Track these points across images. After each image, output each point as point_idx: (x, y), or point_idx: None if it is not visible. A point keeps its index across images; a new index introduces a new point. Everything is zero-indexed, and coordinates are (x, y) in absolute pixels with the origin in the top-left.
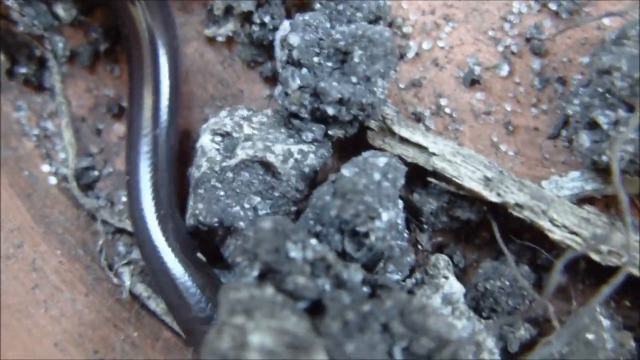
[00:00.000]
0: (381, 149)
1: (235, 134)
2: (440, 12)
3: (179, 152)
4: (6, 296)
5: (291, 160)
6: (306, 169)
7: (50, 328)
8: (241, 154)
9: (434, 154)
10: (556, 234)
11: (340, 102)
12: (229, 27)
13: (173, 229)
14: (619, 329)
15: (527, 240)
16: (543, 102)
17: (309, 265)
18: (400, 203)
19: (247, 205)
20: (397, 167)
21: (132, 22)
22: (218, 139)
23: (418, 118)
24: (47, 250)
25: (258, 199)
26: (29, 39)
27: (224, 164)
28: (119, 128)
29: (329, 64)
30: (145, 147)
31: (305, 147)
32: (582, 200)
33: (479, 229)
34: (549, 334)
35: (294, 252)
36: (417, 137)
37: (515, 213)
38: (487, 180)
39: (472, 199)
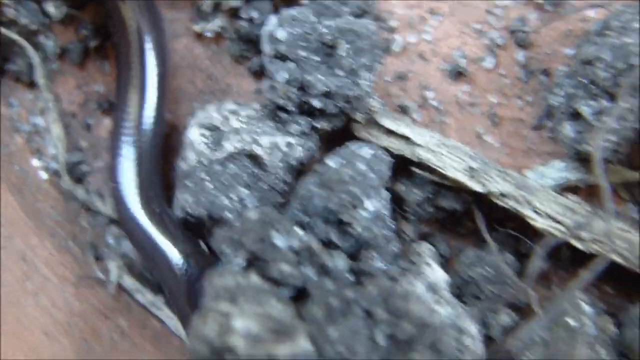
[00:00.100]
0: (367, 141)
1: (223, 128)
2: (426, 5)
3: (168, 145)
4: None
5: (278, 153)
6: (293, 161)
7: (41, 318)
8: (229, 146)
9: (419, 145)
10: (539, 223)
11: (327, 95)
12: (217, 23)
13: (160, 214)
14: (600, 315)
15: (511, 229)
16: (528, 94)
17: (294, 253)
18: (386, 193)
19: (234, 197)
20: (382, 158)
21: (120, 18)
22: (206, 132)
23: (404, 110)
24: (38, 243)
25: (245, 190)
26: (21, 37)
27: (212, 156)
28: (109, 123)
29: (316, 57)
30: (130, 138)
31: (292, 140)
32: (566, 189)
33: (464, 218)
34: (531, 320)
35: (279, 241)
36: (402, 128)
37: (499, 202)
38: (471, 171)
39: (457, 189)
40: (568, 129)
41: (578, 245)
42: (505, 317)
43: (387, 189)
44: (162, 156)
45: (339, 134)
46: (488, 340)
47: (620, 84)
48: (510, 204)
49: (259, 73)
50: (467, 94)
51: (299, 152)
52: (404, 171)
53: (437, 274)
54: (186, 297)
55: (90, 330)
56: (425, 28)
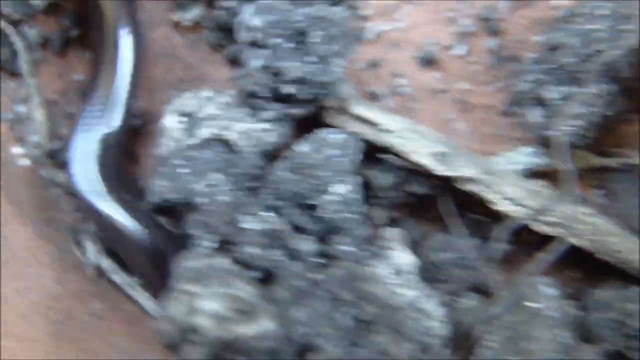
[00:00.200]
0: (338, 127)
1: (198, 114)
2: None
3: (144, 133)
4: None
5: (252, 139)
6: (266, 147)
7: (19, 301)
8: (203, 132)
9: (388, 131)
10: (505, 207)
11: (300, 81)
12: (195, 12)
13: (126, 201)
14: (564, 298)
15: (480, 214)
16: (498, 81)
17: (262, 236)
18: (356, 178)
19: (208, 182)
20: (352, 143)
21: (96, 7)
22: (182, 118)
23: (376, 97)
24: (18, 228)
25: (220, 176)
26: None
27: (187, 142)
28: None
29: (289, 44)
30: (94, 127)
31: (265, 126)
32: (533, 174)
33: (434, 203)
34: (494, 303)
35: (248, 224)
36: (372, 115)
37: (466, 187)
38: (439, 156)
39: (426, 174)
40: (535, 115)
41: (542, 228)
42: (471, 301)
43: (358, 174)
44: (136, 144)
45: (311, 121)
46: (453, 323)
47: (586, 69)
48: (477, 188)
49: (235, 61)
50: (438, 81)
51: (272, 138)
52: (375, 157)
53: (405, 258)
54: (151, 271)
55: (66, 313)
56: (399, 16)
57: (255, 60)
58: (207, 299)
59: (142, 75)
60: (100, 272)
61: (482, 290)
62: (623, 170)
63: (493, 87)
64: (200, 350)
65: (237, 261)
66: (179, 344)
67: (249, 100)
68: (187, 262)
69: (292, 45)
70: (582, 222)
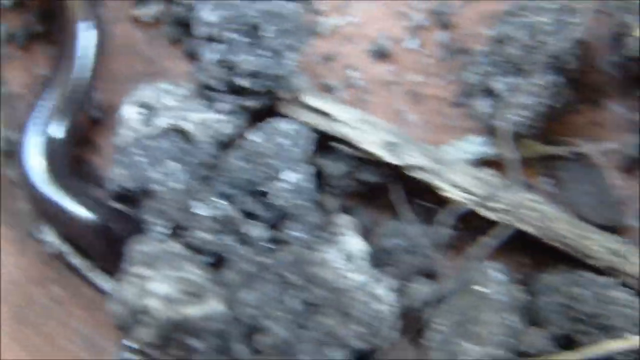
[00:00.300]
0: (291, 118)
1: (156, 105)
2: None
3: (105, 124)
4: None
5: (208, 129)
6: (221, 137)
7: None
8: (161, 123)
9: (340, 121)
10: (453, 194)
11: (254, 74)
12: (154, 8)
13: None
14: (512, 283)
15: (429, 201)
16: (448, 73)
17: (214, 222)
18: (308, 167)
19: (165, 171)
20: (303, 133)
21: (59, 2)
22: (140, 109)
23: (330, 89)
24: None
25: (175, 164)
26: None
27: (145, 132)
28: None
29: (244, 39)
30: (49, 115)
31: (221, 117)
32: (484, 163)
33: (385, 191)
34: (442, 288)
35: (200, 210)
36: (324, 105)
37: (415, 175)
38: (390, 145)
39: (377, 163)
40: (483, 105)
41: (488, 214)
42: (420, 285)
43: (310, 163)
44: (97, 135)
45: (266, 112)
46: (403, 307)
47: (532, 60)
48: (425, 176)
49: (193, 55)
50: (391, 73)
51: (227, 129)
52: (327, 147)
53: (356, 244)
54: (104, 254)
55: (27, 298)
56: (353, 11)
57: (211, 55)
58: (157, 281)
59: (102, 68)
60: (60, 257)
61: (431, 276)
62: (571, 159)
63: (444, 79)
64: (151, 332)
65: (188, 246)
66: (130, 325)
67: (205, 92)
68: (140, 247)
69: (246, 39)
70: (528, 208)
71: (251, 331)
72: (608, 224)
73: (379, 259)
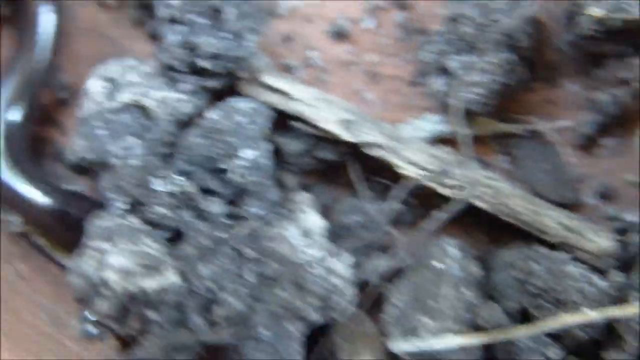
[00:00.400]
0: (251, 97)
1: (120, 81)
2: None
3: (70, 104)
4: None
5: (168, 107)
6: (181, 116)
7: None
8: (123, 97)
9: (297, 100)
10: (408, 170)
11: (214, 56)
12: None
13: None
14: (470, 259)
15: (387, 179)
16: (405, 52)
17: (171, 197)
18: (266, 145)
19: (124, 145)
20: (261, 111)
21: None
22: (104, 83)
23: (289, 69)
24: None
25: (135, 139)
26: None
27: (107, 106)
28: None
29: (205, 21)
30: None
31: (181, 96)
32: (439, 141)
33: (343, 169)
34: (400, 263)
35: (158, 186)
36: (283, 85)
37: (372, 152)
38: (346, 123)
39: (335, 141)
40: (439, 84)
41: (443, 190)
42: (377, 261)
43: (268, 141)
44: (63, 115)
45: (227, 91)
46: (360, 282)
47: (485, 39)
48: (380, 153)
49: (156, 36)
50: (349, 53)
51: (187, 108)
52: (286, 125)
53: (314, 221)
54: (58, 236)
55: None
56: None
57: (173, 36)
58: (116, 255)
59: (64, 51)
60: (24, 235)
61: (388, 251)
62: (526, 137)
63: (402, 59)
64: (109, 304)
65: (147, 221)
66: (90, 298)
67: (168, 72)
68: (99, 221)
69: (208, 21)
70: (483, 185)
71: (208, 304)
72: (563, 201)
73: (337, 235)
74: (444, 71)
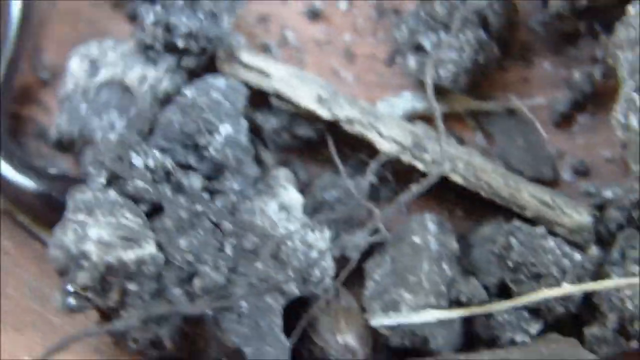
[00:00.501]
0: (228, 75)
1: (100, 59)
2: None
3: (52, 85)
4: None
5: (146, 84)
6: (160, 93)
7: None
8: (103, 74)
9: (275, 77)
10: (384, 145)
11: (191, 36)
12: None
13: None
14: (446, 233)
15: (364, 155)
16: (380, 32)
17: (150, 171)
18: (243, 121)
19: (105, 120)
20: (237, 88)
21: None
22: (85, 62)
23: (266, 49)
24: None
25: (116, 114)
26: None
27: (88, 83)
28: None
29: (181, 1)
30: None
31: (159, 74)
32: (415, 118)
33: (320, 146)
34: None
35: (136, 160)
36: (259, 62)
37: (347, 128)
38: (320, 98)
39: (311, 117)
40: (412, 61)
41: (418, 165)
42: (355, 236)
43: (245, 118)
44: (46, 96)
45: (206, 69)
46: (339, 257)
47: (455, 18)
48: (356, 128)
49: (135, 17)
50: (323, 33)
51: (165, 86)
52: (263, 103)
53: (292, 196)
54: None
55: None
56: None
57: (151, 16)
58: (95, 227)
59: (45, 33)
60: (8, 213)
61: (367, 226)
62: (502, 115)
63: (376, 38)
64: (89, 275)
65: (126, 194)
66: (71, 270)
67: (146, 52)
68: (80, 195)
69: (183, 1)
70: (458, 160)
71: (187, 276)
72: (540, 177)
73: (316, 210)
74: (418, 50)
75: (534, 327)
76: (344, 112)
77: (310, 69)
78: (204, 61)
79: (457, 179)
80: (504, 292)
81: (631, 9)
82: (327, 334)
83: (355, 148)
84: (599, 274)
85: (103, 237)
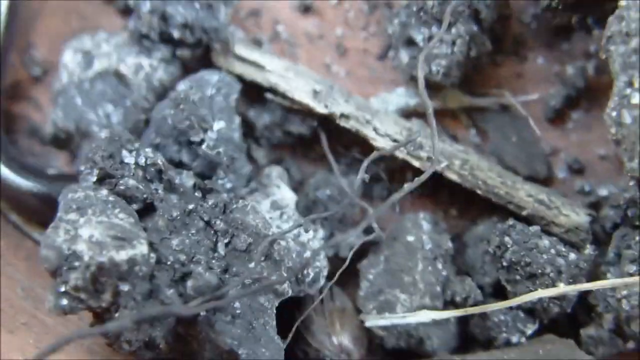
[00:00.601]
0: (223, 68)
1: (93, 52)
2: None
3: (44, 81)
4: None
5: (142, 73)
6: (155, 82)
7: None
8: (97, 65)
9: (268, 70)
10: (379, 141)
11: (187, 26)
12: None
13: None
14: (441, 233)
15: (358, 152)
16: (372, 26)
17: (141, 170)
18: (236, 117)
19: (101, 112)
20: (230, 82)
21: None
22: (78, 55)
23: (258, 43)
24: None
25: (111, 106)
26: None
27: (82, 76)
28: None
29: None
30: None
31: (155, 63)
32: (410, 113)
33: (313, 143)
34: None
35: (128, 158)
36: (254, 56)
37: (342, 123)
38: (316, 93)
39: (304, 114)
40: (404, 56)
41: (416, 163)
42: (349, 235)
43: (239, 114)
44: (38, 92)
45: (201, 61)
46: (333, 256)
47: (448, 12)
48: (351, 123)
49: (126, 11)
50: (315, 27)
51: (160, 74)
52: (257, 98)
53: (285, 195)
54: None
55: None
56: None
57: (145, 5)
58: (87, 227)
59: (36, 28)
60: (0, 213)
61: (361, 225)
62: (496, 111)
63: (368, 32)
64: (81, 275)
65: (117, 193)
66: (62, 270)
67: (141, 41)
68: (72, 194)
69: None
70: (453, 156)
71: (180, 276)
72: (534, 174)
73: (309, 209)
74: (410, 44)
75: (530, 328)
76: (339, 106)
77: (302, 63)
78: (199, 52)
79: (452, 176)
80: (499, 292)
81: (623, 1)
82: (322, 335)
83: (349, 146)
84: (594, 274)
85: (94, 237)
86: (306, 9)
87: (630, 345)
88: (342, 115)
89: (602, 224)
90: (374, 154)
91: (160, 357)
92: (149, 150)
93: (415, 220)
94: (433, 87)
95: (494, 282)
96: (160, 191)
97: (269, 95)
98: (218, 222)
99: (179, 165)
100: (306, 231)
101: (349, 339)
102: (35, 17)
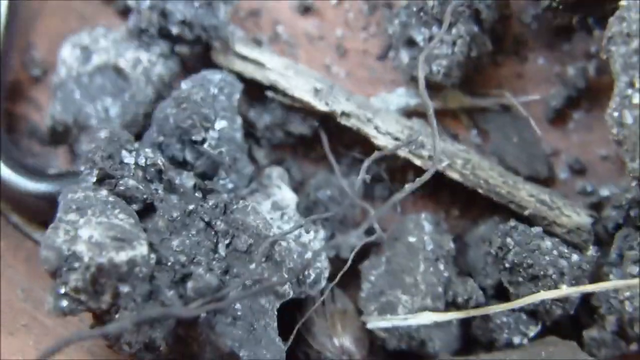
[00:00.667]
0: (224, 66)
1: (92, 47)
2: None
3: (44, 82)
4: None
5: (140, 67)
6: (154, 77)
7: None
8: (96, 59)
9: (269, 68)
10: (380, 140)
11: (187, 23)
12: None
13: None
14: (442, 234)
15: (359, 153)
16: (371, 27)
17: (141, 170)
18: (237, 117)
19: (99, 106)
20: (232, 82)
21: None
22: (76, 50)
23: (258, 43)
24: None
25: (110, 100)
26: None
27: (81, 70)
28: None
29: None
30: None
31: (153, 58)
32: (410, 114)
33: (314, 144)
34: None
35: (127, 158)
36: (254, 54)
37: (342, 122)
38: (316, 91)
39: (305, 113)
40: (404, 56)
41: (415, 161)
42: (350, 236)
43: (240, 114)
44: (37, 92)
45: (203, 62)
46: (337, 259)
47: (448, 12)
48: (352, 122)
49: (125, 12)
50: (315, 27)
51: (159, 69)
52: (257, 96)
53: (286, 195)
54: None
55: None
56: None
57: (145, 2)
58: (87, 228)
59: (35, 28)
60: (1, 214)
61: (362, 226)
62: (496, 111)
63: (368, 33)
64: (80, 276)
65: (117, 193)
66: (62, 271)
67: (140, 36)
68: (72, 195)
69: None
70: (454, 156)
71: (180, 277)
72: (535, 175)
73: (310, 210)
74: (410, 44)
75: (532, 330)
76: (340, 105)
77: (302, 63)
78: (198, 50)
79: (454, 175)
80: (501, 293)
81: (624, 2)
82: (323, 337)
83: (350, 146)
84: (597, 275)
85: (94, 237)
86: (306, 10)
87: (633, 347)
88: (343, 114)
89: (604, 224)
90: (375, 154)
91: (160, 359)
92: (148, 150)
93: (417, 221)
94: (433, 88)
95: (496, 283)
96: (160, 191)
97: (269, 93)
98: (218, 222)
99: (182, 164)
100: (307, 232)
101: (350, 340)
102: (35, 17)
